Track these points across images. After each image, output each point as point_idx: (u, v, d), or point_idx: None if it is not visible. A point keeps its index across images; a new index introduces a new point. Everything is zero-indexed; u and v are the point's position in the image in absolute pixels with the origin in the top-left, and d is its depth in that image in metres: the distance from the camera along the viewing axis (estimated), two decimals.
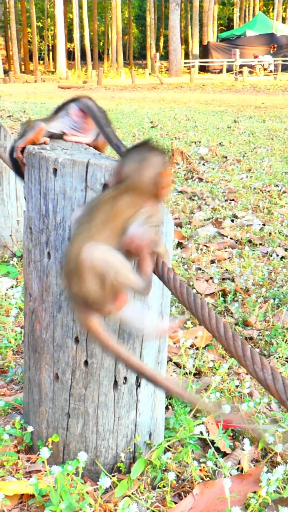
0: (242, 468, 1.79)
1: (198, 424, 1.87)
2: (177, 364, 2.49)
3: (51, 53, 63.03)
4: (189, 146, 8.97)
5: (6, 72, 43.95)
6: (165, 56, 53.95)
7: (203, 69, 42.49)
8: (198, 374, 2.42)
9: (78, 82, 34.71)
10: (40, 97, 20.67)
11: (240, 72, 34.32)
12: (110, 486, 1.66)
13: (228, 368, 2.44)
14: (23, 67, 53.97)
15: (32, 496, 1.59)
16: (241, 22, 56.07)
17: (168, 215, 1.66)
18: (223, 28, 63.76)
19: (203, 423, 2.00)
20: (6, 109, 14.72)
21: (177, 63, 38.95)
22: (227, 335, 0.98)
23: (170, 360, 2.48)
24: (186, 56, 53.48)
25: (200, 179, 6.54)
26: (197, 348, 2.62)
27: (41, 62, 62.00)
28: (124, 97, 21.90)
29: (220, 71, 39.83)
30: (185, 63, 42.73)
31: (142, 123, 12.35)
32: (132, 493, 1.63)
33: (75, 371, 1.63)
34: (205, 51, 45.30)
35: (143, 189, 1.39)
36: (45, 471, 1.67)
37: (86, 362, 1.62)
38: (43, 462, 1.69)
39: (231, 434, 2.03)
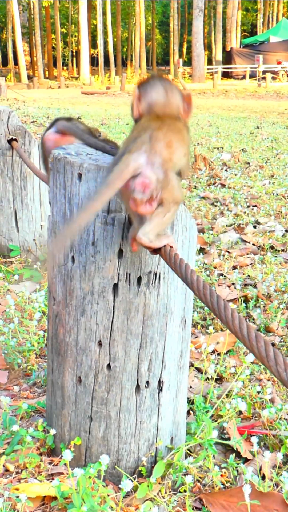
0: (264, 475, 1.78)
1: (220, 429, 1.87)
2: (198, 370, 2.49)
3: (74, 59, 63.40)
4: (211, 152, 8.97)
5: (30, 77, 44.31)
6: (188, 62, 54.02)
7: (226, 75, 42.44)
8: (219, 379, 2.42)
9: (102, 88, 34.86)
10: (64, 103, 20.80)
11: (263, 78, 34.23)
12: (131, 490, 1.66)
13: (250, 374, 2.43)
14: (47, 73, 54.38)
15: (55, 498, 1.60)
16: (265, 28, 55.96)
17: (191, 220, 1.67)
18: (247, 34, 63.69)
19: (224, 428, 2.01)
20: (30, 114, 14.83)
21: (200, 69, 38.96)
22: (250, 335, 0.99)
23: (192, 365, 2.48)
24: (209, 62, 53.52)
25: (223, 185, 6.54)
26: (218, 354, 2.62)
27: (65, 68, 62.35)
28: None
29: (243, 77, 39.75)
30: (208, 69, 42.71)
31: None
32: (154, 496, 1.64)
33: (97, 374, 1.64)
34: (228, 57, 45.27)
35: (171, 114, 1.37)
36: (67, 474, 1.68)
37: (108, 366, 1.63)
38: (65, 464, 1.71)
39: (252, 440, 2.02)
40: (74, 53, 63.90)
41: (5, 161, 3.71)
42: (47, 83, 37.56)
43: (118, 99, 24.33)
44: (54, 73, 54.21)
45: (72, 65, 62.83)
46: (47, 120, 13.10)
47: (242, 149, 9.33)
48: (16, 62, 49.62)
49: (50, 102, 21.07)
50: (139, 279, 1.57)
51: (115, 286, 1.57)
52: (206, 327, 2.92)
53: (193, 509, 1.65)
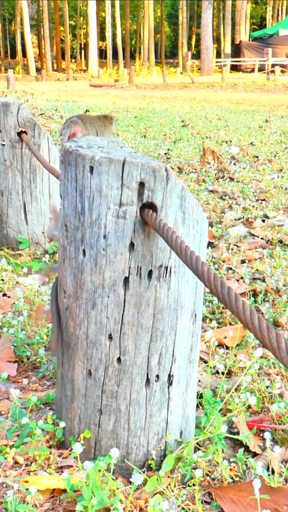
0: (273, 469, 1.78)
1: (229, 423, 1.87)
2: (207, 364, 2.49)
3: (83, 51, 63.27)
4: (220, 146, 8.95)
5: (38, 70, 44.33)
6: (196, 55, 53.82)
7: (234, 68, 42.33)
8: (228, 374, 2.41)
9: (110, 81, 34.79)
10: (72, 95, 20.78)
11: (272, 71, 34.08)
12: (141, 483, 1.66)
13: (259, 368, 2.43)
14: (55, 65, 54.33)
15: (64, 491, 1.60)
16: (274, 21, 55.68)
17: (203, 214, 1.67)
18: (256, 27, 63.40)
19: (233, 422, 2.00)
20: (38, 107, 14.82)
21: (209, 62, 38.88)
22: (261, 327, 0.98)
23: (201, 359, 2.48)
24: (218, 55, 53.30)
25: (231, 179, 6.52)
26: (227, 348, 2.62)
27: (73, 60, 62.25)
28: (155, 96, 21.90)
29: (252, 70, 39.63)
30: (216, 62, 42.57)
31: (173, 122, 12.35)
32: (164, 489, 1.64)
33: (107, 368, 1.64)
34: (237, 50, 45.15)
35: None
36: (77, 467, 1.68)
37: (119, 359, 1.63)
38: (75, 457, 1.71)
39: (262, 435, 2.02)
40: (82, 46, 63.76)
41: (15, 153, 3.71)
42: (55, 75, 37.54)
43: (126, 92, 24.27)
44: (62, 66, 54.14)
45: (81, 57, 62.72)
46: (55, 113, 13.10)
47: (251, 143, 9.31)
48: (24, 54, 49.67)
49: (58, 94, 21.05)
50: (150, 273, 1.57)
51: (126, 280, 1.57)
52: (217, 321, 2.92)
53: (202, 502, 1.65)
